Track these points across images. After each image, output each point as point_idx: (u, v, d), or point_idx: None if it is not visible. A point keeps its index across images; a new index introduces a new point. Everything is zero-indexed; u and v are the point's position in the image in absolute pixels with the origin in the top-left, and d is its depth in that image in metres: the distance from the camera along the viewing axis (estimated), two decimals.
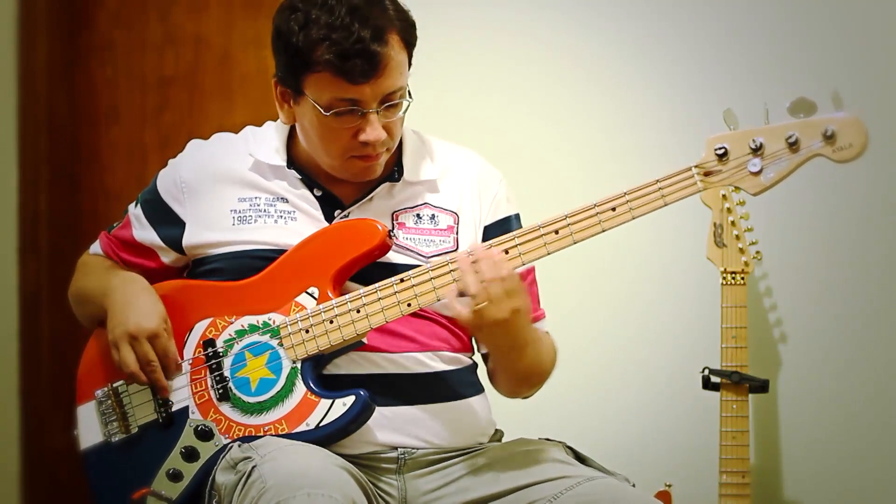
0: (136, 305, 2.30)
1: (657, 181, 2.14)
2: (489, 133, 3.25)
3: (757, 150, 2.10)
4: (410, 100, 2.25)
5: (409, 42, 2.24)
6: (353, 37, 2.15)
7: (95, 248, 2.49)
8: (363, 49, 2.15)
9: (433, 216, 2.33)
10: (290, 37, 2.20)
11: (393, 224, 2.30)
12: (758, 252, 2.95)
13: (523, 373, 2.32)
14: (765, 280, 3.08)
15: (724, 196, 2.93)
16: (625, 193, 2.14)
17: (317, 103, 2.21)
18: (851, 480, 3.03)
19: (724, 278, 2.93)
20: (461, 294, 2.16)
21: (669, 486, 2.98)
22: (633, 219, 2.15)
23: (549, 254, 2.18)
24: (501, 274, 2.14)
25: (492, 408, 2.39)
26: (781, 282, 3.09)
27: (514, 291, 2.15)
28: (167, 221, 2.38)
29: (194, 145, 2.43)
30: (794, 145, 2.09)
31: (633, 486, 2.21)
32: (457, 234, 2.32)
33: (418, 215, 2.33)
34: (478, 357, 2.39)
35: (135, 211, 2.43)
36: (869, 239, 3.04)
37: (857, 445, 3.03)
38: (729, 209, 2.94)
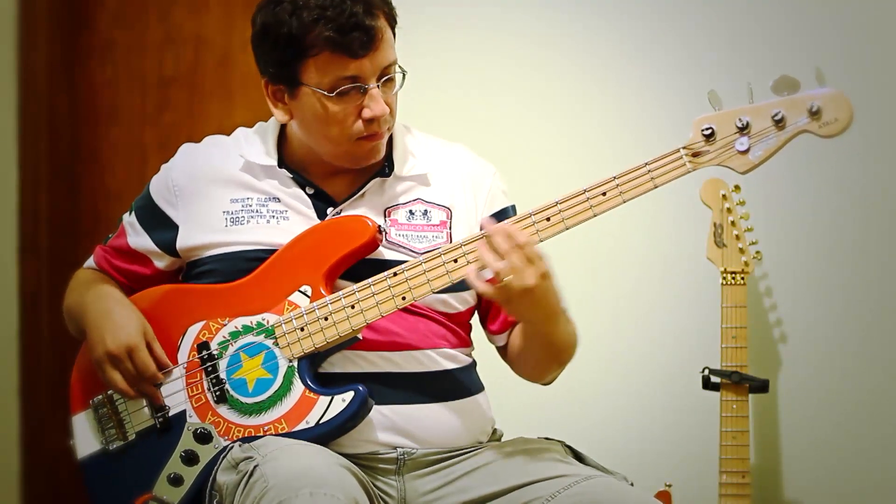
0: (111, 321, 2.30)
1: (646, 164, 2.15)
2: (488, 132, 3.24)
3: (744, 129, 2.11)
4: (405, 72, 2.27)
5: (393, 17, 2.27)
6: (346, 12, 2.18)
7: (90, 262, 2.50)
8: (358, 23, 2.18)
9: (426, 211, 2.33)
10: (280, 27, 2.21)
11: (385, 221, 2.30)
12: (758, 252, 2.95)
13: (558, 347, 2.29)
14: (765, 280, 3.08)
15: (724, 196, 2.93)
16: (614, 178, 2.15)
17: (318, 88, 2.21)
18: (851, 480, 3.03)
19: (724, 278, 2.93)
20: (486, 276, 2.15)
21: (669, 486, 2.98)
22: (624, 202, 2.15)
23: (541, 241, 2.18)
24: (519, 241, 2.13)
25: (491, 407, 2.39)
26: (781, 282, 3.09)
27: (536, 257, 2.13)
28: (161, 226, 2.38)
29: (185, 149, 2.43)
30: (780, 122, 2.10)
31: (632, 485, 2.21)
32: (450, 228, 2.32)
33: (410, 211, 2.32)
34: (476, 354, 2.39)
35: (129, 219, 2.43)
36: (869, 239, 3.04)
37: (857, 445, 3.02)
38: (729, 209, 2.93)
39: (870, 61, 3.03)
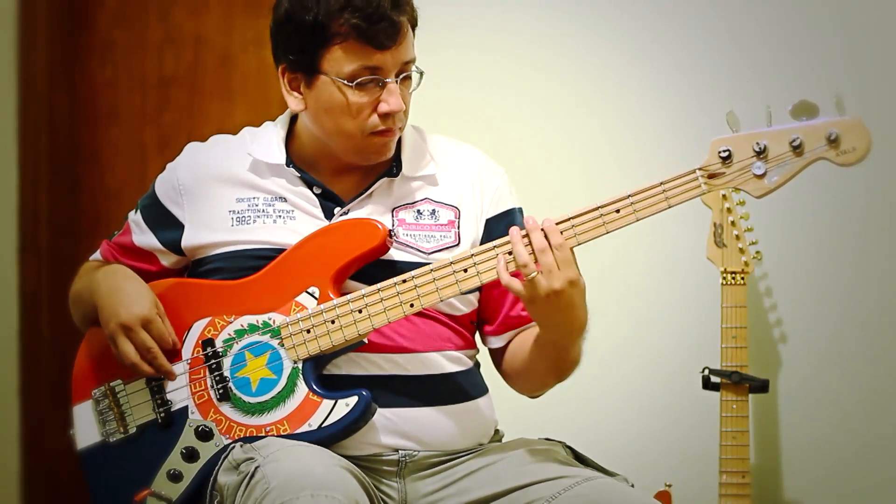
0: (124, 294, 2.30)
1: (661, 183, 2.13)
2: (492, 134, 3.24)
3: (761, 153, 2.10)
4: (422, 71, 2.27)
5: (414, 19, 2.27)
6: (373, 3, 2.18)
7: (96, 255, 2.50)
8: (385, 14, 2.18)
9: (433, 211, 2.32)
10: (305, 14, 2.20)
11: (393, 220, 2.29)
12: (758, 252, 2.95)
13: (568, 362, 2.28)
14: (765, 280, 3.09)
15: (724, 196, 2.94)
16: (629, 195, 2.14)
17: (338, 77, 2.21)
18: (851, 480, 3.04)
19: (724, 278, 2.94)
20: (514, 274, 2.14)
21: (669, 486, 2.98)
22: (637, 220, 2.14)
23: None
24: (555, 242, 2.12)
25: (494, 409, 2.38)
26: (781, 282, 3.09)
27: (568, 262, 2.12)
28: (166, 225, 2.37)
29: (191, 148, 2.43)
30: (797, 149, 2.09)
31: (632, 486, 2.21)
32: (458, 228, 2.31)
33: (418, 211, 2.32)
34: (480, 356, 2.39)
35: (134, 217, 2.43)
36: (869, 239, 3.04)
37: (857, 445, 3.03)
38: (729, 209, 2.94)
39: (870, 61, 3.03)
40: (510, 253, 2.15)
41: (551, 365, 2.28)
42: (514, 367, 2.35)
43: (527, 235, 2.14)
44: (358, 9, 2.17)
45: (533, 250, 2.13)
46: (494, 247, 2.17)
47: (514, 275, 2.15)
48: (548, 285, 2.11)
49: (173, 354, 2.29)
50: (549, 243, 2.12)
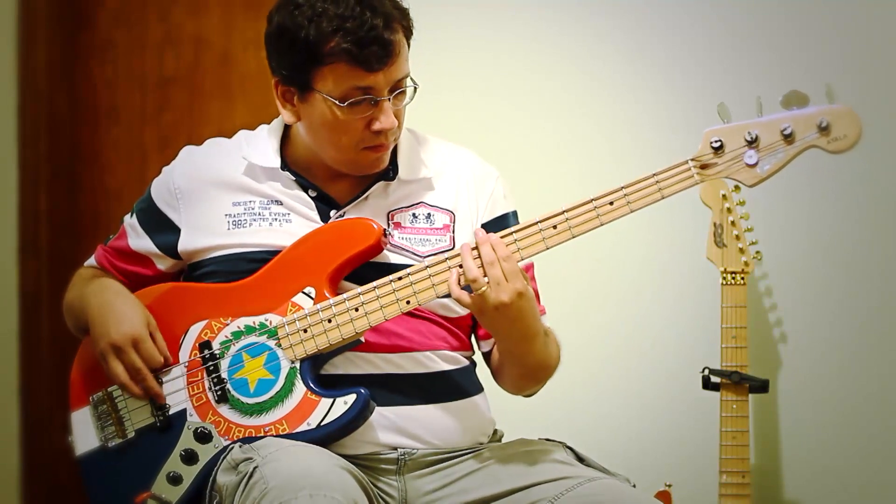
0: (115, 313, 2.30)
1: (654, 175, 2.15)
2: (488, 133, 3.25)
3: (752, 143, 2.12)
4: (417, 85, 2.27)
5: (409, 29, 2.26)
6: (366, 25, 2.17)
7: (91, 260, 2.50)
8: (377, 36, 2.17)
9: (429, 215, 2.33)
10: (297, 32, 2.19)
11: (388, 223, 2.30)
12: (758, 252, 2.95)
13: (532, 367, 2.30)
14: (765, 280, 3.08)
15: (724, 196, 2.93)
16: (622, 187, 2.15)
17: (330, 96, 2.21)
18: (851, 480, 3.04)
19: (724, 278, 2.93)
20: (464, 284, 2.16)
21: (669, 486, 2.98)
22: (632, 212, 2.16)
23: (547, 248, 2.18)
24: (501, 254, 2.14)
25: (491, 408, 2.39)
26: (781, 282, 3.09)
27: (515, 274, 2.14)
28: (162, 228, 2.38)
29: (187, 151, 2.43)
30: (789, 137, 2.10)
31: (634, 486, 2.21)
32: (453, 232, 2.32)
33: (414, 214, 2.32)
34: (477, 356, 2.39)
35: (130, 221, 2.43)
36: (869, 239, 3.04)
37: (857, 445, 3.03)
38: (729, 209, 2.94)
39: (869, 61, 3.03)
40: (462, 266, 2.17)
41: (519, 370, 2.32)
42: (494, 370, 2.39)
43: (476, 249, 2.16)
44: (350, 32, 2.16)
45: (482, 263, 2.15)
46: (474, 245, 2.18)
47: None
48: (496, 298, 2.14)
49: (164, 369, 2.30)
50: (498, 256, 2.14)
